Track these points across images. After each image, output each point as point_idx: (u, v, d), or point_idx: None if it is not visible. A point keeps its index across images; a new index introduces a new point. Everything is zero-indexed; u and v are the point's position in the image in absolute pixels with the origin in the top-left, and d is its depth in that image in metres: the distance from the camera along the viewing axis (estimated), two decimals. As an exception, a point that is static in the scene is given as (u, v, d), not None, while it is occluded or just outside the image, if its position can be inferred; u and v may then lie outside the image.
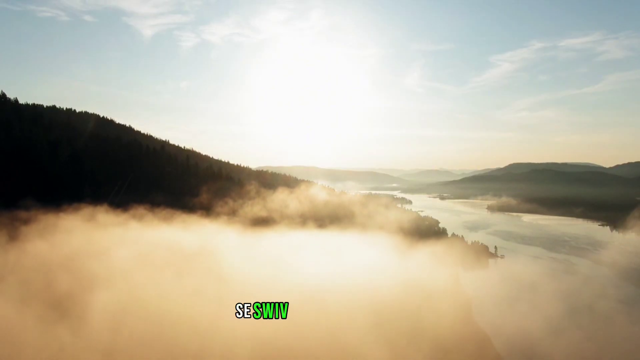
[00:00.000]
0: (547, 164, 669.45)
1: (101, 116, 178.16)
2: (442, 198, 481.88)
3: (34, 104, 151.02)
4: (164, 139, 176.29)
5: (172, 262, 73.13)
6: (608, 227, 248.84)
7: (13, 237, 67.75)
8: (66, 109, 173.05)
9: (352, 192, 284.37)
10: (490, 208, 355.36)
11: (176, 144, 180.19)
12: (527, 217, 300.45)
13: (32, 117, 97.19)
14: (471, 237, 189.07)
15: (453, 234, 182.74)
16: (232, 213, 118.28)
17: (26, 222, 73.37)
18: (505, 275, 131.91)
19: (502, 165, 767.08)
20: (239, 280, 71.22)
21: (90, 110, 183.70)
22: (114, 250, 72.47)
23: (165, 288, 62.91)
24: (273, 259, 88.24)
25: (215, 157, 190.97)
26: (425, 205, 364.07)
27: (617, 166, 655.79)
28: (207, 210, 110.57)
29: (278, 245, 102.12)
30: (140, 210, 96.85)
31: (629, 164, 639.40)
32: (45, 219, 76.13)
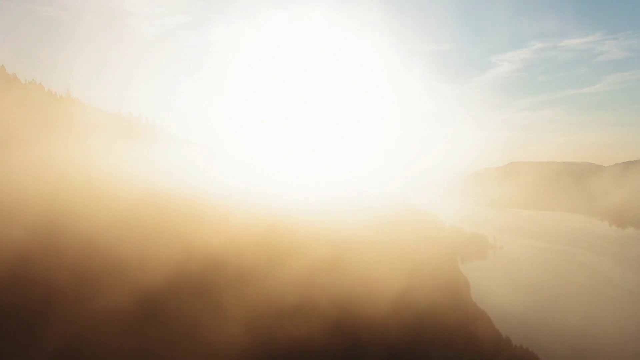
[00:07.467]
0: (547, 163, 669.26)
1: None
2: (443, 195, 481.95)
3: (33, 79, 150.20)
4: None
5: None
6: (607, 221, 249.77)
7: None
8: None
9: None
10: (490, 204, 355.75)
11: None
12: (526, 212, 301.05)
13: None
14: (471, 230, 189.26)
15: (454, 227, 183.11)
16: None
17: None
18: (503, 263, 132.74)
19: (502, 164, 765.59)
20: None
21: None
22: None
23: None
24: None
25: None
26: (426, 202, 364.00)
27: (616, 165, 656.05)
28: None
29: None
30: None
31: (628, 162, 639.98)
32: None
